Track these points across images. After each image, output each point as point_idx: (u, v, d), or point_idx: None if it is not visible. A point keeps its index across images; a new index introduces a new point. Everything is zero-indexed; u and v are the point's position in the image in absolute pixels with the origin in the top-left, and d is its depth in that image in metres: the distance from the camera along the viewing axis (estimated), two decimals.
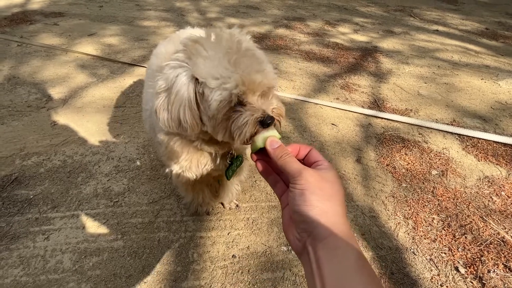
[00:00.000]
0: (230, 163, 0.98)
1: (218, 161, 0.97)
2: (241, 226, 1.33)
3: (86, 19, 3.73)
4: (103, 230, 1.27)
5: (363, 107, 2.30)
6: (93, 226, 1.28)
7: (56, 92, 2.20)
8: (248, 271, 1.16)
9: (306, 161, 0.53)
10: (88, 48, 2.93)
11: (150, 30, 3.53)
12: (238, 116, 0.66)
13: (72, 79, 2.39)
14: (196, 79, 0.67)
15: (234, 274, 1.15)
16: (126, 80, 2.42)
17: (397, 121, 2.15)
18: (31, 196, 1.40)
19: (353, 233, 0.44)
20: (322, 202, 0.43)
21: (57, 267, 1.13)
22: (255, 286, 1.12)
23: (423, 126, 2.11)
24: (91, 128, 1.87)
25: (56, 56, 2.74)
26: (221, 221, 1.35)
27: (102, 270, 1.13)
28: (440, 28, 4.45)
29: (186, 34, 1.29)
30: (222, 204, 1.41)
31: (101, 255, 1.18)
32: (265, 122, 0.64)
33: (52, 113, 1.97)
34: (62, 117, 1.93)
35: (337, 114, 2.18)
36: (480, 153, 1.89)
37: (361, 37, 3.84)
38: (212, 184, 1.31)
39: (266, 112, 0.66)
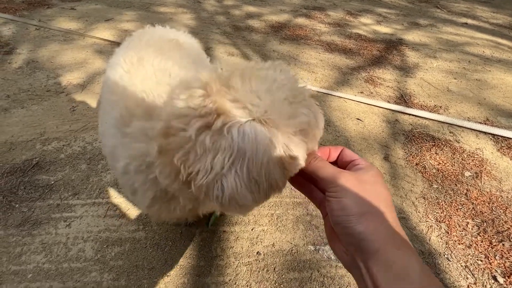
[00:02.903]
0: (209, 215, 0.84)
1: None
2: (265, 222, 1.28)
3: (102, 4, 3.67)
4: (124, 220, 1.24)
5: (389, 102, 2.19)
6: (114, 216, 1.26)
7: (75, 77, 2.16)
8: (274, 269, 1.12)
9: (340, 163, 0.46)
10: (105, 33, 2.89)
11: (166, 17, 3.45)
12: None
13: (90, 64, 2.35)
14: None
15: (259, 271, 1.11)
16: None
17: (426, 118, 2.03)
18: (52, 182, 1.38)
19: (409, 240, 0.37)
20: (365, 209, 0.36)
21: (79, 255, 1.11)
22: (282, 285, 1.07)
23: (455, 125, 1.99)
24: None
25: (73, 40, 2.70)
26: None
27: (124, 260, 1.11)
28: (469, 21, 4.20)
29: (151, 35, 1.00)
30: None
31: (123, 245, 1.15)
32: None
33: (71, 98, 1.94)
34: (81, 103, 1.90)
35: (362, 109, 2.08)
36: None
37: (384, 29, 3.66)
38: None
39: None
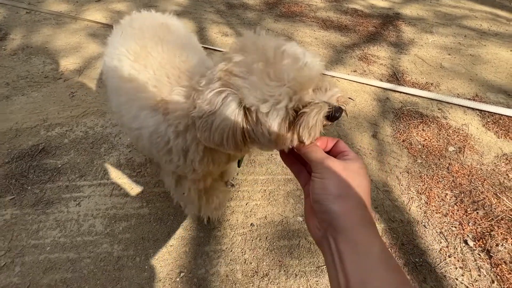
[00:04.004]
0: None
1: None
2: (259, 197, 1.39)
3: None
4: (129, 198, 1.36)
5: (381, 80, 2.22)
6: (119, 195, 1.37)
7: (70, 63, 2.19)
8: (266, 238, 1.24)
9: (333, 153, 0.52)
10: (97, 15, 2.85)
11: None
12: (304, 119, 0.56)
13: (85, 48, 2.36)
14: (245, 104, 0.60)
15: (252, 240, 1.23)
16: None
17: (416, 96, 2.08)
18: (59, 165, 1.48)
19: (376, 225, 0.44)
20: (343, 192, 0.41)
21: (91, 230, 1.24)
22: (273, 251, 1.20)
23: (443, 101, 2.04)
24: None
25: (66, 24, 2.68)
26: (239, 192, 1.41)
27: (131, 234, 1.23)
28: None
29: (141, 20, 1.04)
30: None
31: (129, 220, 1.27)
32: (334, 116, 0.56)
33: (69, 84, 1.98)
34: (79, 88, 1.95)
35: (354, 88, 2.12)
36: (501, 129, 1.84)
37: (382, 3, 3.57)
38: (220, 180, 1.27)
39: (332, 104, 0.57)
